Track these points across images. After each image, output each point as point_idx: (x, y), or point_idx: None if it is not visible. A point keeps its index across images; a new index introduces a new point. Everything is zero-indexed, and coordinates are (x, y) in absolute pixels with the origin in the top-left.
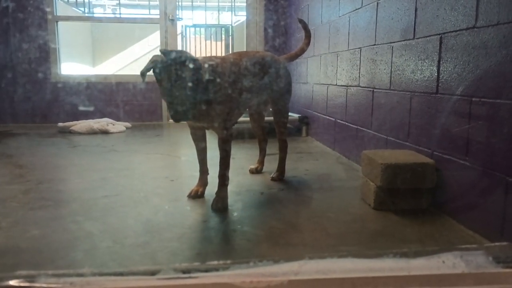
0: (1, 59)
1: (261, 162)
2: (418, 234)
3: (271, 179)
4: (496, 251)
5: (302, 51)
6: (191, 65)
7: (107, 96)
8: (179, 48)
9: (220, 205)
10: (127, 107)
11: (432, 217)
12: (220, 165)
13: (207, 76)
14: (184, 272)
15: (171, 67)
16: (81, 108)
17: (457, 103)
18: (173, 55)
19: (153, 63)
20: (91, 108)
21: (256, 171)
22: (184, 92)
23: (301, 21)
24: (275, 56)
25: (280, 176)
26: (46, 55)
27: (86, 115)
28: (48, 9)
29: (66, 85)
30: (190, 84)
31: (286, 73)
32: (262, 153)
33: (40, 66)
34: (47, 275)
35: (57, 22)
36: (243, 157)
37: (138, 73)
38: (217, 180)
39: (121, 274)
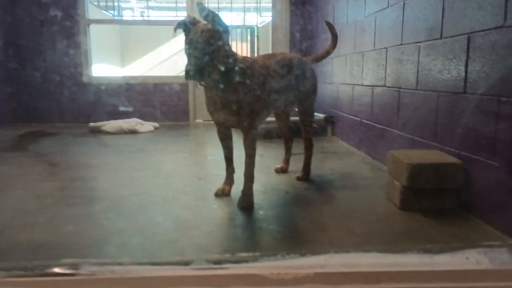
0: (36, 61)
1: (287, 161)
2: (444, 234)
3: (297, 179)
4: None
5: (328, 53)
6: (220, 28)
7: (141, 96)
8: None
9: (246, 204)
10: (159, 107)
11: (458, 217)
12: (245, 164)
13: (237, 78)
14: (215, 263)
15: (198, 27)
16: (121, 108)
17: (485, 102)
18: (206, 12)
19: (183, 21)
20: (131, 108)
21: (282, 171)
22: (203, 52)
23: (327, 23)
24: (302, 58)
25: (305, 175)
26: (78, 57)
27: (116, 116)
28: (80, 13)
29: (97, 87)
30: (210, 46)
31: (312, 74)
32: (288, 153)
33: (73, 68)
34: (90, 263)
35: (88, 25)
36: (269, 157)
37: (166, 74)
38: (243, 179)
39: (157, 264)
